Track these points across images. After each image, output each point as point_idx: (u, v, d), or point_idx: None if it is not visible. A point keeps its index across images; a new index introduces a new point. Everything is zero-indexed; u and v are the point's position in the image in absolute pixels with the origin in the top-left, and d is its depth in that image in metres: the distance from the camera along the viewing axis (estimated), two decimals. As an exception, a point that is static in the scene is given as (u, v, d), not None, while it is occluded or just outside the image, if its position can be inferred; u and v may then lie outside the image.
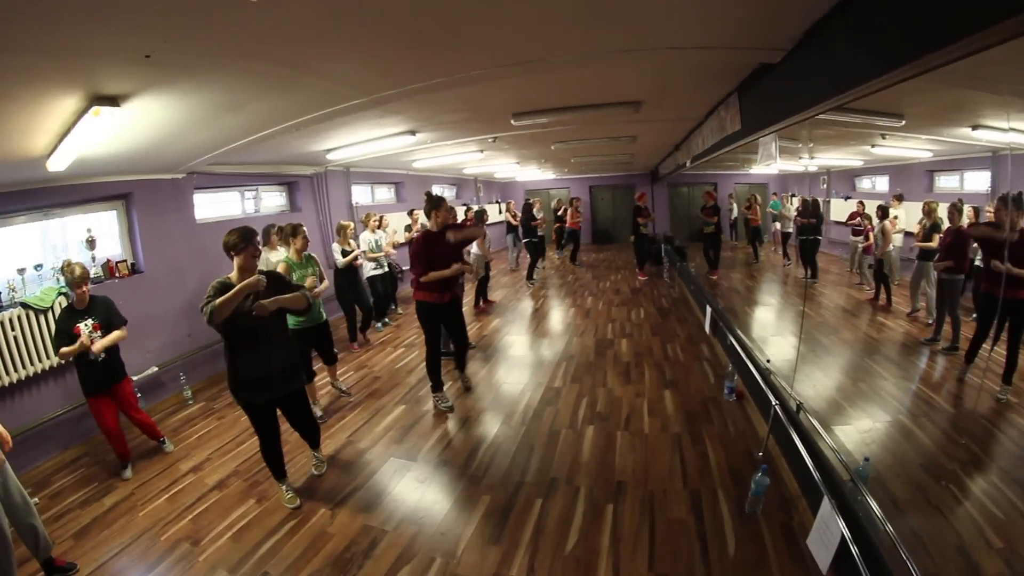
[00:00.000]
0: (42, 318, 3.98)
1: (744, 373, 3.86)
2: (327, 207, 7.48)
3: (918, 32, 1.51)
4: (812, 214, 5.52)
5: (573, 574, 2.37)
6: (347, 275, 5.75)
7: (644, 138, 6.74)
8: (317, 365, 4.50)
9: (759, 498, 2.62)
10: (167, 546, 2.79)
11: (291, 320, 3.50)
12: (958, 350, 3.20)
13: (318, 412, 4.16)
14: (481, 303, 7.63)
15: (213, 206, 6.06)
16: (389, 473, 3.33)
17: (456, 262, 4.00)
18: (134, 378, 4.42)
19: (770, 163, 3.59)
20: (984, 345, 2.96)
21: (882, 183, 4.29)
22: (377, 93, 3.05)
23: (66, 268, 3.37)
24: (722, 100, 3.97)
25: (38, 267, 4.17)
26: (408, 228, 7.67)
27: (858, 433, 3.18)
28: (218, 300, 2.53)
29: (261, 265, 3.06)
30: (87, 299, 3.44)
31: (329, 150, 5.52)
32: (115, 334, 3.52)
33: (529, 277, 9.43)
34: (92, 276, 4.27)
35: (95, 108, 2.39)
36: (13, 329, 3.80)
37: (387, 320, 7.10)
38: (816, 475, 2.29)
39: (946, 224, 3.20)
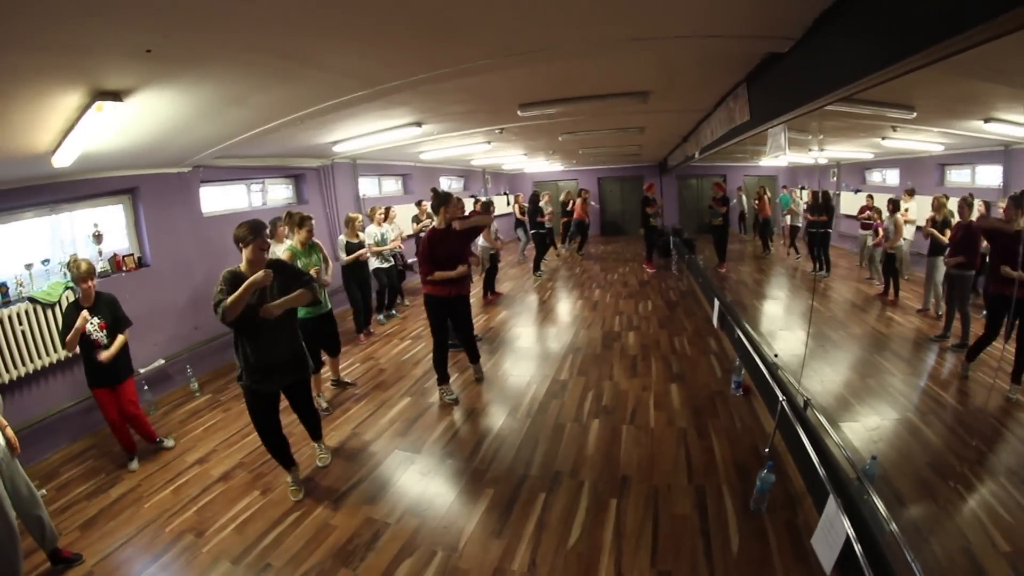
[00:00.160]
0: (49, 312, 4.03)
1: (751, 368, 3.83)
2: (334, 199, 7.48)
3: (929, 19, 1.46)
4: (823, 209, 5.43)
5: (575, 569, 2.36)
6: (353, 268, 5.76)
7: (652, 129, 6.67)
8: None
9: (764, 495, 2.59)
10: (171, 537, 2.82)
11: (299, 310, 3.53)
12: (967, 347, 3.15)
13: (323, 404, 4.19)
14: (489, 295, 7.64)
15: (219, 199, 6.07)
16: (393, 465, 3.34)
17: (463, 259, 4.00)
18: (141, 370, 4.48)
19: (779, 155, 3.53)
20: (995, 343, 2.90)
21: (892, 176, 4.21)
22: (381, 84, 3.02)
23: (72, 263, 3.41)
24: (731, 90, 3.90)
25: (45, 262, 4.21)
26: (415, 219, 7.66)
27: (865, 430, 3.14)
28: (228, 300, 2.58)
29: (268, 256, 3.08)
30: (93, 295, 3.47)
31: (335, 142, 5.50)
32: (119, 341, 3.55)
33: (536, 269, 9.39)
34: (99, 270, 4.31)
35: (98, 103, 2.38)
36: (21, 323, 3.84)
37: (394, 312, 7.10)
38: (822, 472, 2.26)
39: (956, 219, 3.14)
